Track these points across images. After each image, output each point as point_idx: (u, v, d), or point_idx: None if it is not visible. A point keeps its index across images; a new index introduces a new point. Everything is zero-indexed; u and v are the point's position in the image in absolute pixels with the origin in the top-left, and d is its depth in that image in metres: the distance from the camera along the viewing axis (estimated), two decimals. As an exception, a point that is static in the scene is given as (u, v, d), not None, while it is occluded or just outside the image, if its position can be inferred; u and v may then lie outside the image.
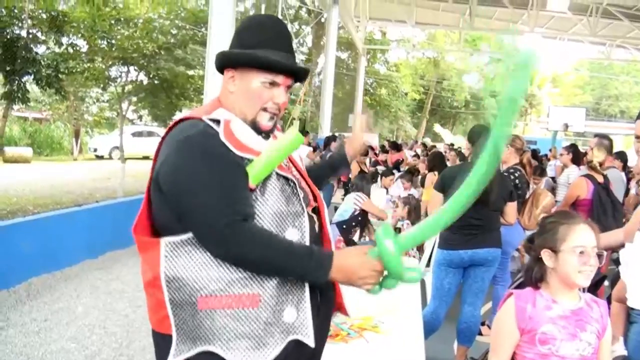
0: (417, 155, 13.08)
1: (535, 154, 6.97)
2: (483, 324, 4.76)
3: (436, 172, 6.47)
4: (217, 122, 1.70)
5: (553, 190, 6.83)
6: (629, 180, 7.49)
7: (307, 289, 1.70)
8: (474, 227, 3.86)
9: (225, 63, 1.81)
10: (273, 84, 1.78)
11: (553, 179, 7.98)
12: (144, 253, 1.70)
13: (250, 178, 1.64)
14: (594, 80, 36.49)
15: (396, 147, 13.72)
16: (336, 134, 14.20)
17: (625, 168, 7.25)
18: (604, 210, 4.24)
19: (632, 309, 2.40)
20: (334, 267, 1.61)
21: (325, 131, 19.38)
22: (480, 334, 4.49)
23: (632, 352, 2.35)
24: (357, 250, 1.68)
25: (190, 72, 19.58)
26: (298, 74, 1.84)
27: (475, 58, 37.35)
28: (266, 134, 1.80)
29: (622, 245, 2.55)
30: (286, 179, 1.75)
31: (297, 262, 1.60)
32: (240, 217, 1.58)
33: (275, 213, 1.67)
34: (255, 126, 1.77)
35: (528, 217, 5.02)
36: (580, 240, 1.91)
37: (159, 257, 1.65)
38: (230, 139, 1.67)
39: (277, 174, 1.72)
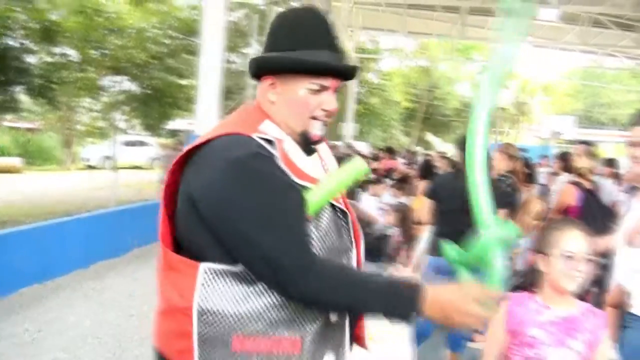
0: (409, 163, 13.11)
1: (527, 161, 7.01)
2: (475, 330, 4.77)
3: (427, 180, 6.51)
4: (268, 141, 1.48)
5: (544, 197, 6.88)
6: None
7: (347, 332, 1.60)
8: (463, 234, 3.89)
9: (263, 69, 1.58)
10: (321, 88, 1.55)
11: (544, 186, 8.03)
12: (174, 273, 1.48)
13: (309, 208, 1.47)
14: (585, 88, 36.76)
15: (390, 151, 13.73)
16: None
17: (616, 175, 7.32)
18: (594, 216, 4.28)
19: (632, 314, 2.42)
20: (427, 301, 1.38)
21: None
22: (471, 340, 4.50)
23: (628, 358, 2.38)
24: (452, 286, 1.44)
25: (182, 82, 19.61)
26: (347, 74, 1.60)
27: (467, 67, 37.58)
28: (314, 144, 1.60)
29: (610, 251, 2.59)
30: (338, 210, 1.59)
31: (379, 297, 1.39)
32: (311, 254, 1.41)
33: (329, 248, 1.51)
34: (305, 137, 1.57)
35: (519, 224, 5.05)
36: (570, 245, 1.94)
37: (194, 283, 1.43)
38: (287, 164, 1.48)
39: (332, 204, 1.56)
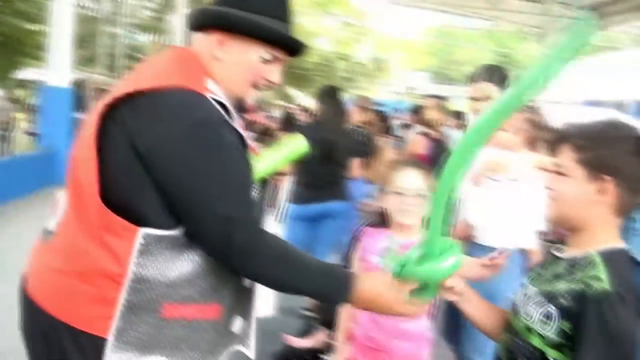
0: (270, 116, 13.14)
1: (383, 114, 7.30)
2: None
3: (289, 132, 6.56)
4: (221, 104, 1.42)
5: (399, 147, 7.22)
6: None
7: (254, 298, 1.58)
8: (322, 182, 4.03)
9: (215, 23, 1.47)
10: (273, 59, 1.52)
11: (399, 137, 8.44)
12: (108, 235, 1.34)
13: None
14: (439, 46, 38.69)
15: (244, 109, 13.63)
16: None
17: (463, 127, 7.88)
18: (440, 162, 4.57)
19: (474, 244, 2.70)
20: (359, 291, 1.40)
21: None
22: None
23: (470, 283, 2.62)
24: (386, 279, 1.43)
25: (33, 27, 17.97)
26: (298, 51, 1.57)
27: (326, 21, 37.96)
28: (244, 112, 1.53)
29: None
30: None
31: (316, 279, 1.41)
32: (261, 226, 1.43)
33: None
34: (239, 103, 1.54)
35: (373, 172, 5.28)
36: (401, 183, 2.11)
37: (131, 249, 1.34)
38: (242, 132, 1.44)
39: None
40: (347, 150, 4.19)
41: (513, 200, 2.64)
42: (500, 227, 2.66)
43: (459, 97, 16.63)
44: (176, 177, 1.34)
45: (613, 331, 1.17)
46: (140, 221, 1.35)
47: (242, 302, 1.56)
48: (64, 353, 1.37)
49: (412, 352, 2.14)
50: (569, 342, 1.23)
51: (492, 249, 2.62)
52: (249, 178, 1.44)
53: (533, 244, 2.75)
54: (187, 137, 1.34)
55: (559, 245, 1.45)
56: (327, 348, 2.75)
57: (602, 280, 1.22)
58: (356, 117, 5.47)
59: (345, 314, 2.26)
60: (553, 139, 1.42)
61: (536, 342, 1.30)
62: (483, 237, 2.70)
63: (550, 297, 1.30)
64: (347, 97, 5.01)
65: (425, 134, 4.41)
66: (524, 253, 2.72)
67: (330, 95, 4.26)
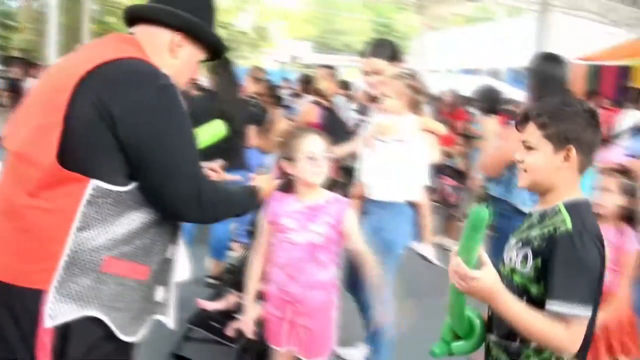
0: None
1: (271, 84, 7.44)
2: (234, 240, 5.15)
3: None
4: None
5: (289, 117, 7.40)
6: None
7: (174, 269, 1.72)
8: (220, 150, 4.14)
9: (181, 26, 1.65)
10: (201, 61, 1.77)
11: (288, 106, 8.60)
12: (56, 189, 1.42)
13: None
14: (320, 15, 38.97)
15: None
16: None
17: (350, 96, 8.17)
18: (333, 130, 4.82)
19: (369, 200, 2.99)
20: (262, 194, 2.00)
21: (51, 63, 17.65)
22: (230, 249, 4.90)
23: (367, 236, 2.91)
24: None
25: None
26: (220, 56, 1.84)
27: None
28: None
29: (352, 155, 3.10)
30: None
31: (245, 203, 1.90)
32: (210, 179, 1.69)
33: None
34: None
35: (266, 142, 5.44)
36: (311, 147, 2.30)
37: (80, 198, 1.42)
38: None
39: None
40: (243, 119, 4.33)
41: (400, 159, 2.95)
42: (390, 183, 2.96)
43: (344, 67, 17.03)
44: (149, 138, 1.48)
45: (576, 259, 1.46)
46: (93, 177, 1.45)
47: (164, 272, 1.70)
48: (16, 317, 1.45)
49: (323, 300, 2.38)
50: (541, 275, 1.52)
51: (384, 204, 2.92)
52: (195, 138, 1.64)
53: (420, 197, 3.08)
54: (154, 101, 1.49)
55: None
56: (239, 308, 2.92)
57: (566, 223, 1.51)
58: (249, 87, 5.57)
59: (252, 276, 2.46)
60: (519, 118, 1.66)
61: (518, 279, 1.59)
62: (375, 194, 2.99)
63: (526, 242, 1.59)
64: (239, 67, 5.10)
65: (318, 103, 4.62)
66: (413, 206, 3.04)
67: (223, 67, 4.35)
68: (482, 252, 1.47)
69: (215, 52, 1.78)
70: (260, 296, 2.52)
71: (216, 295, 3.27)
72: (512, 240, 1.70)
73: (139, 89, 1.48)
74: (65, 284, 1.43)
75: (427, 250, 3.39)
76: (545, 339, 1.48)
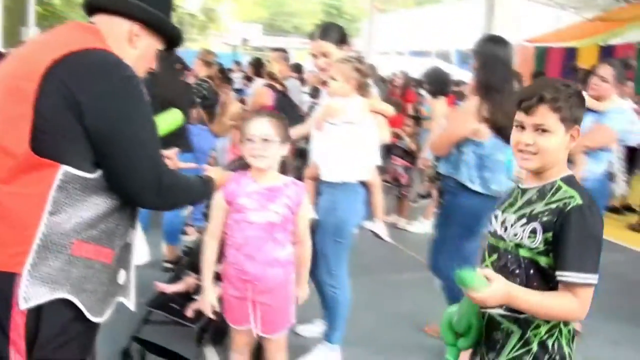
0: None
1: (222, 67, 7.41)
2: (189, 224, 5.17)
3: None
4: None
5: (240, 100, 7.41)
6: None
7: (133, 253, 1.79)
8: (168, 135, 4.16)
9: (141, 18, 1.70)
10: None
11: (239, 90, 8.59)
12: (29, 176, 1.48)
13: None
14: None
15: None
16: (4, 51, 12.60)
17: (301, 79, 8.22)
18: (286, 113, 4.87)
19: (322, 181, 3.07)
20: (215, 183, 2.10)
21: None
22: (185, 233, 4.93)
23: (321, 216, 3.04)
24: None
25: None
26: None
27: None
28: None
29: (305, 137, 3.16)
30: None
31: (200, 192, 1.99)
32: (167, 167, 1.72)
33: None
34: None
35: (218, 125, 5.45)
36: (251, 130, 2.37)
37: (51, 183, 1.48)
38: None
39: None
40: (184, 103, 4.33)
41: (350, 140, 3.03)
42: (341, 165, 3.04)
43: (295, 49, 17.01)
44: (114, 127, 1.54)
45: (589, 232, 1.55)
46: (63, 163, 1.50)
47: (125, 256, 1.77)
48: None
49: (282, 277, 2.46)
50: (550, 248, 1.59)
51: (336, 184, 3.01)
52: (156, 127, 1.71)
53: (372, 177, 3.18)
54: (120, 91, 1.56)
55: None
56: (197, 290, 2.97)
57: (575, 197, 1.58)
58: (199, 71, 5.56)
59: (207, 257, 2.51)
60: (529, 102, 1.63)
61: (525, 253, 1.64)
62: (327, 175, 3.07)
63: (532, 218, 1.63)
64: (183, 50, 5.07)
65: (271, 86, 4.65)
66: (365, 185, 3.14)
67: (165, 50, 4.34)
68: (484, 271, 1.56)
69: (172, 41, 1.83)
70: (218, 277, 2.58)
71: (174, 278, 3.30)
72: (509, 216, 1.72)
73: (105, 80, 1.54)
74: (37, 267, 1.48)
75: (379, 228, 3.49)
76: (562, 315, 1.60)
